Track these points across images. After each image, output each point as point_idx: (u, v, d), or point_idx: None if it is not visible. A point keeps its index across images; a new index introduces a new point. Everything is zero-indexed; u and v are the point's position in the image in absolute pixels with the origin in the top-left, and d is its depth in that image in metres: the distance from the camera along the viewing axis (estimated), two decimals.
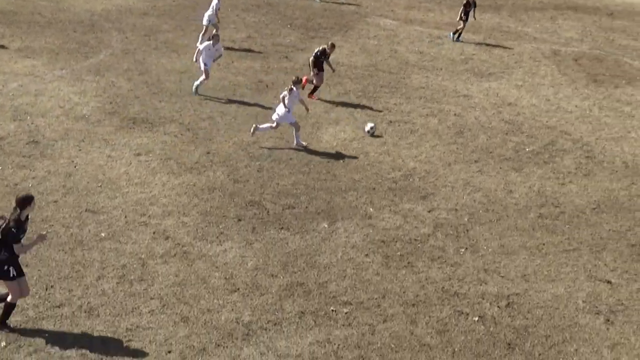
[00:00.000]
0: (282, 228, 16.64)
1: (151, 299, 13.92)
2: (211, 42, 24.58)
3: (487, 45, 32.81)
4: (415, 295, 14.58)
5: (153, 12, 34.29)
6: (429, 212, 17.81)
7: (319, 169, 19.65)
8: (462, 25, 32.93)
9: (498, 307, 14.35)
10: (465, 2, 32.86)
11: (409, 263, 15.65)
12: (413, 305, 14.28)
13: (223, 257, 15.40)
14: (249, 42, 30.66)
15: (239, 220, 16.88)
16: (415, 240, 16.57)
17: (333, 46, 25.21)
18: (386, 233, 16.77)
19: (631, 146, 22.35)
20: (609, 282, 15.39)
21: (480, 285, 15.04)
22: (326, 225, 16.88)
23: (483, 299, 14.59)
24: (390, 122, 23.06)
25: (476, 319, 13.97)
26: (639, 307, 14.59)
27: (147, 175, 18.62)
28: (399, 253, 16.00)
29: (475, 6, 33.12)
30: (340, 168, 19.78)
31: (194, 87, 24.40)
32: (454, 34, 33.20)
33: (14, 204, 12.22)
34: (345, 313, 13.92)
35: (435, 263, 15.72)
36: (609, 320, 14.15)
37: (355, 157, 20.44)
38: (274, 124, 20.98)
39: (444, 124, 23.19)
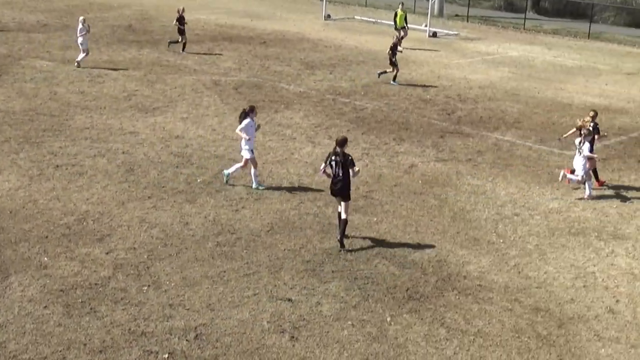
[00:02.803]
0: None
1: None
2: (249, 117, 20.84)
3: (149, 80, 32.90)
4: (101, 341, 14.17)
5: None
6: (107, 254, 17.44)
7: None
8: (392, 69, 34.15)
9: (187, 340, 14.35)
10: (392, 45, 33.88)
11: (91, 309, 15.19)
12: (100, 352, 13.87)
13: None
14: None
15: None
16: (96, 284, 16.13)
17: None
18: (64, 281, 16.17)
19: (295, 167, 23.43)
20: (289, 299, 15.95)
21: (167, 321, 14.95)
22: None
23: (171, 334, 14.51)
24: (57, 166, 22.33)
25: (166, 356, 13.86)
26: (319, 320, 15.27)
27: None
28: (80, 300, 15.48)
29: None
30: (8, 219, 18.79)
31: (254, 184, 21.47)
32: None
33: None
34: None
35: (119, 305, 15.40)
36: (293, 337, 14.66)
37: (23, 207, 19.53)
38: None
39: (113, 163, 22.86)
